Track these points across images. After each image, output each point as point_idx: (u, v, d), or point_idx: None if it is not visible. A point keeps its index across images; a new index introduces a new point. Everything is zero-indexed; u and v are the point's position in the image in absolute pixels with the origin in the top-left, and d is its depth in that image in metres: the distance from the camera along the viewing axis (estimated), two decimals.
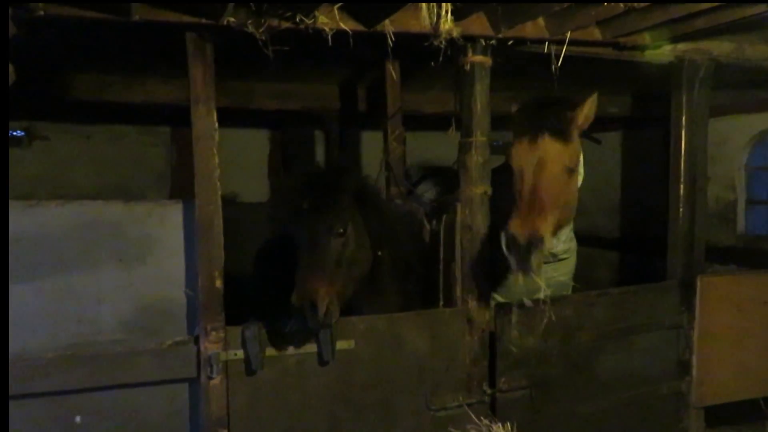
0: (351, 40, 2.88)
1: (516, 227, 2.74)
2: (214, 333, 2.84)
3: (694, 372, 3.83)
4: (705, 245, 4.00)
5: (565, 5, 2.92)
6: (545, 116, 3.09)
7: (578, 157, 3.18)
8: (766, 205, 5.81)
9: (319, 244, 2.83)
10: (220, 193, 2.85)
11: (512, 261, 2.79)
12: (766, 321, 3.99)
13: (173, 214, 2.92)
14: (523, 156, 3.02)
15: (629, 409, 3.71)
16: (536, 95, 3.54)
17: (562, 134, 3.03)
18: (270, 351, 2.93)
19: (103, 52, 3.89)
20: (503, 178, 3.32)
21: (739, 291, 3.96)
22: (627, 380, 3.70)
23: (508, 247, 2.77)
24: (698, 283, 3.82)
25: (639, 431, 3.72)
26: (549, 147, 2.98)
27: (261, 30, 2.74)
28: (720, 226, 5.84)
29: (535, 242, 2.71)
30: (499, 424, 2.67)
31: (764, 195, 5.84)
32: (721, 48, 3.78)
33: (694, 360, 3.83)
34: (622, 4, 2.92)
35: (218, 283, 2.85)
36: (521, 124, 3.15)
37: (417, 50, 3.09)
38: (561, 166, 2.99)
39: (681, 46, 3.72)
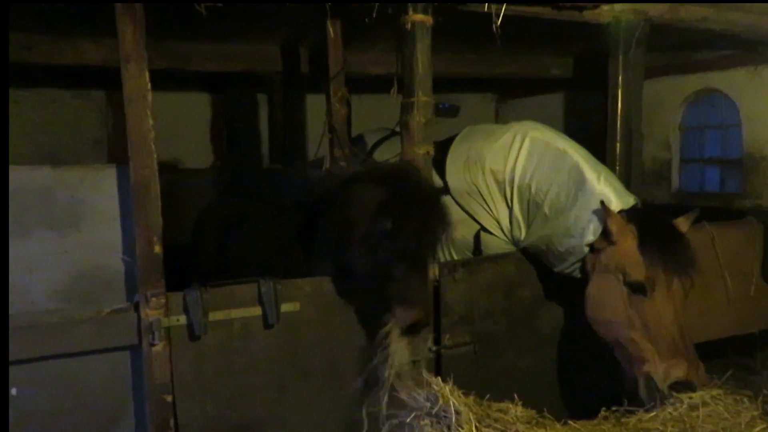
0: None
1: (691, 374, 2.85)
2: (154, 299, 2.79)
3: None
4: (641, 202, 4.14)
5: None
6: (681, 245, 3.09)
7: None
8: (699, 164, 6.05)
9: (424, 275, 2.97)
10: (155, 156, 2.77)
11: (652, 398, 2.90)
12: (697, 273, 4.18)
13: (107, 179, 2.83)
14: (666, 293, 3.00)
15: (567, 360, 3.85)
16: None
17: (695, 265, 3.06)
18: (214, 315, 2.90)
19: (26, 8, 3.67)
20: None
21: None
22: (565, 332, 3.83)
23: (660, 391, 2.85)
24: None
25: (577, 380, 3.87)
26: (688, 281, 3.03)
27: None
28: (656, 184, 6.06)
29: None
30: (438, 378, 2.73)
31: (697, 154, 6.07)
32: (656, 9, 3.87)
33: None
34: None
35: (157, 249, 2.78)
36: (651, 249, 3.05)
37: (358, 9, 3.04)
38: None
39: (618, 7, 3.79)
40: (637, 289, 3.02)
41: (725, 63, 5.40)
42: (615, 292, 3.10)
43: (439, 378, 2.78)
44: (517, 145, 3.66)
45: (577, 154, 3.47)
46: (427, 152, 3.34)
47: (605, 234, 3.16)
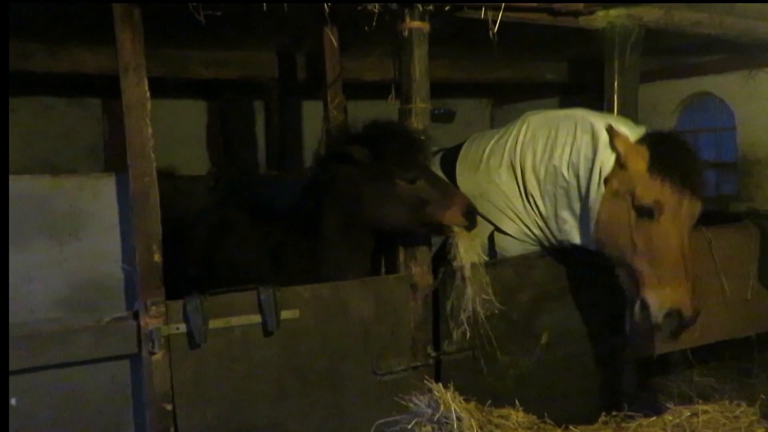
0: (285, 5, 2.81)
1: (682, 301, 2.71)
2: (154, 308, 2.78)
3: (627, 326, 4.00)
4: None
5: None
6: (694, 167, 2.98)
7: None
8: None
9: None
10: (155, 164, 2.77)
11: (662, 332, 2.80)
12: (693, 276, 4.19)
13: (106, 187, 2.83)
14: (678, 213, 2.86)
15: (567, 365, 3.86)
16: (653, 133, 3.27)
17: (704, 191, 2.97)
18: (214, 323, 2.90)
19: (23, 17, 3.67)
20: None
21: None
22: (565, 337, 3.84)
23: (664, 317, 2.74)
24: None
25: (576, 385, 3.87)
26: (700, 208, 2.92)
27: None
28: None
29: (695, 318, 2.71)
30: (440, 385, 2.73)
31: None
32: (651, 14, 3.89)
33: (627, 315, 3.99)
34: None
35: (156, 257, 2.78)
36: (665, 169, 2.92)
37: (355, 16, 3.05)
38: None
39: (613, 12, 3.81)
40: (645, 212, 2.90)
41: (719, 67, 5.45)
42: (623, 216, 2.99)
43: (440, 384, 2.78)
44: (522, 131, 3.71)
45: (579, 112, 3.47)
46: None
47: (616, 159, 3.08)
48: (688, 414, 2.76)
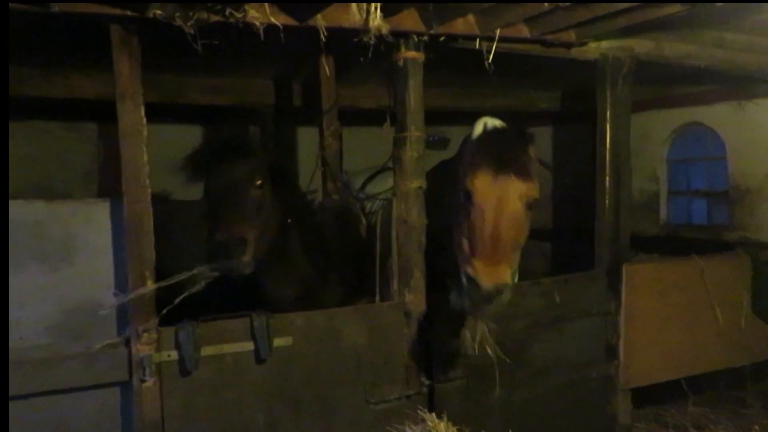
0: (282, 35, 2.85)
1: (481, 273, 2.63)
2: (146, 335, 2.76)
3: (621, 356, 4.00)
4: (630, 235, 4.17)
5: (493, 3, 2.98)
6: (508, 150, 3.01)
7: (537, 194, 3.04)
8: (686, 196, 6.13)
9: (242, 193, 3.14)
10: (149, 191, 2.77)
11: (466, 304, 2.73)
12: (687, 305, 4.21)
13: (99, 213, 2.82)
14: (487, 193, 2.88)
15: (561, 394, 3.84)
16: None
17: (527, 172, 2.94)
18: (206, 350, 2.87)
19: (19, 42, 3.70)
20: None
21: (661, 278, 4.16)
22: (559, 366, 3.82)
23: (468, 292, 2.68)
24: (624, 271, 3.98)
25: (570, 415, 3.85)
26: (515, 186, 2.88)
27: (189, 23, 2.67)
28: (644, 216, 6.13)
29: (500, 290, 2.63)
30: (433, 414, 2.71)
31: (684, 186, 6.16)
32: (642, 46, 3.96)
33: (621, 344, 3.99)
34: (546, 3, 3.00)
35: (149, 284, 2.77)
36: (480, 155, 3.01)
37: (351, 45, 3.09)
38: (524, 205, 2.90)
39: (605, 44, 3.88)
40: (466, 197, 2.99)
41: (710, 97, 5.53)
42: (457, 203, 3.08)
43: (434, 414, 2.75)
44: None
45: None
46: (420, 186, 3.37)
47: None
48: None
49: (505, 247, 2.77)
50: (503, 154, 2.98)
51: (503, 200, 2.86)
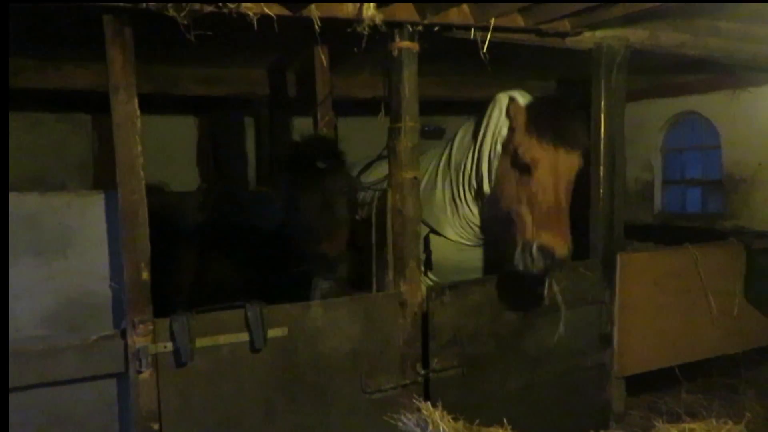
0: (276, 25, 2.84)
1: (554, 243, 2.90)
2: (142, 326, 2.77)
3: (615, 344, 4.03)
4: (625, 223, 4.19)
5: None
6: (565, 122, 3.19)
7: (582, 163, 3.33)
8: (680, 184, 6.15)
9: (339, 205, 3.36)
10: (144, 182, 2.77)
11: (536, 269, 2.99)
12: (680, 294, 4.24)
13: (94, 205, 2.82)
14: (551, 165, 3.09)
15: (555, 383, 3.86)
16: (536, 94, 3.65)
17: (579, 143, 3.18)
18: (201, 341, 2.88)
19: (11, 32, 3.67)
20: None
21: (655, 266, 4.18)
22: (553, 354, 3.85)
23: (538, 259, 2.93)
24: (618, 260, 4.00)
25: (565, 403, 3.88)
26: (573, 157, 3.11)
27: (183, 14, 2.66)
28: (638, 205, 6.15)
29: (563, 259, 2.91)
30: (428, 403, 2.73)
31: (678, 175, 6.18)
32: (637, 35, 3.96)
33: (615, 333, 4.02)
34: None
35: (145, 275, 2.77)
36: (537, 127, 3.18)
37: (345, 35, 3.08)
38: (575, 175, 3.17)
39: (599, 33, 3.87)
40: (525, 168, 3.17)
41: (705, 86, 5.53)
42: (510, 172, 3.28)
43: (429, 403, 2.78)
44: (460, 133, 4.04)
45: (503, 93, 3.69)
46: (414, 177, 3.37)
47: (509, 124, 3.40)
48: None
49: (567, 215, 3.00)
50: (562, 125, 3.14)
51: (564, 172, 3.06)
